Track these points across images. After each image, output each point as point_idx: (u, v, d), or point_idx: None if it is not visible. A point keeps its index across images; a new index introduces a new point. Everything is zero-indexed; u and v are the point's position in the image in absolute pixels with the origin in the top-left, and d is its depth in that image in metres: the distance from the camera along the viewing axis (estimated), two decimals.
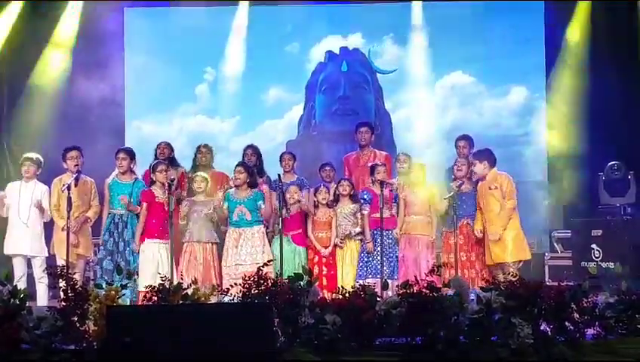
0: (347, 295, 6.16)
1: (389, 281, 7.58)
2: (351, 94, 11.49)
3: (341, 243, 8.43)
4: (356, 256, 8.45)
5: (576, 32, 10.82)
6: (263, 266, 6.27)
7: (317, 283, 6.68)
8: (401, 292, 6.08)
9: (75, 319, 5.90)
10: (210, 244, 8.29)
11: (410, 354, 5.81)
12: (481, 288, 6.38)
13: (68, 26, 10.88)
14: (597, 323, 6.21)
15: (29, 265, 8.49)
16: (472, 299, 6.25)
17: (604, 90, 10.40)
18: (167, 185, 8.05)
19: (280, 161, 9.10)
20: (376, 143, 9.63)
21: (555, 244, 10.27)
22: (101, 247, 8.31)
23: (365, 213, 8.44)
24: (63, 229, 8.03)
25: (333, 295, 6.58)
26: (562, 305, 6.07)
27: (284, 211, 8.04)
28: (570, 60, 10.81)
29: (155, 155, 8.98)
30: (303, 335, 5.96)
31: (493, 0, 11.36)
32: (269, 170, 9.03)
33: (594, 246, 9.16)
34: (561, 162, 10.67)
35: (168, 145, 9.06)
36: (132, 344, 5.25)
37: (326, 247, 8.42)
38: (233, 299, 6.09)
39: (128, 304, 7.13)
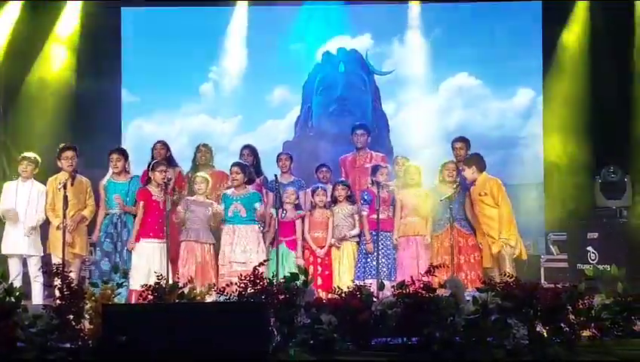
0: (343, 295, 6.16)
1: (387, 282, 7.59)
2: (348, 95, 11.50)
3: (338, 243, 8.44)
4: (352, 257, 8.47)
5: (573, 33, 10.84)
6: (258, 266, 6.26)
7: (312, 284, 6.67)
8: (397, 292, 6.08)
9: (71, 317, 5.88)
10: (208, 245, 8.29)
11: (406, 355, 5.81)
12: (478, 289, 6.39)
13: (66, 25, 10.88)
14: (592, 324, 6.21)
15: (24, 264, 8.46)
16: (468, 300, 6.25)
17: (601, 91, 10.42)
18: (163, 184, 8.05)
19: (277, 161, 9.11)
20: (373, 144, 9.63)
21: (551, 246, 10.29)
22: (97, 248, 8.30)
23: (364, 213, 8.44)
24: (58, 228, 8.03)
25: (330, 295, 6.58)
26: (558, 306, 6.07)
27: (280, 213, 8.06)
28: (567, 62, 10.82)
29: (152, 155, 8.98)
30: (298, 335, 5.95)
31: (490, 1, 11.36)
32: (268, 170, 9.01)
33: (590, 248, 9.20)
34: (557, 164, 10.67)
35: (165, 145, 9.05)
36: (128, 342, 5.24)
37: (322, 247, 8.43)
38: (229, 299, 6.08)
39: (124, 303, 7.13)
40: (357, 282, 7.86)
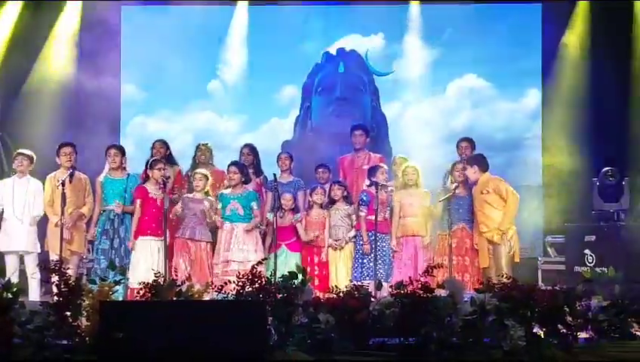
0: (341, 294, 6.16)
1: (384, 284, 7.59)
2: (347, 95, 11.49)
3: (336, 244, 8.44)
4: (349, 257, 8.46)
5: (573, 34, 10.84)
6: (256, 264, 6.26)
7: (310, 282, 6.67)
8: (394, 292, 6.08)
9: (68, 314, 5.89)
10: (204, 243, 8.28)
11: (404, 355, 5.81)
12: (475, 290, 6.40)
13: (66, 23, 10.88)
14: (589, 326, 6.23)
15: (22, 261, 8.46)
16: (466, 301, 6.25)
17: (601, 93, 10.42)
18: (162, 182, 8.05)
19: (277, 160, 9.10)
20: (372, 145, 9.63)
21: (548, 249, 10.29)
22: (96, 244, 8.30)
23: (362, 214, 8.43)
24: (56, 225, 8.03)
25: (327, 294, 6.58)
26: (555, 308, 6.08)
27: (278, 213, 8.07)
28: (567, 63, 10.82)
29: (151, 154, 8.98)
30: (296, 334, 5.95)
31: (491, 3, 11.37)
32: (272, 170, 8.96)
33: (587, 251, 9.18)
34: (556, 166, 10.67)
35: (164, 144, 9.04)
36: (124, 340, 5.24)
37: (319, 247, 8.44)
38: (227, 297, 6.08)
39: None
40: (354, 283, 7.87)
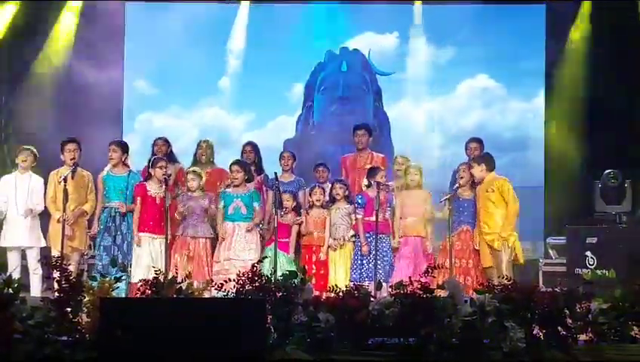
0: (341, 294, 6.16)
1: (384, 284, 7.58)
2: (350, 95, 11.51)
3: (335, 245, 8.43)
4: (349, 257, 8.46)
5: (577, 34, 10.83)
6: (257, 263, 6.27)
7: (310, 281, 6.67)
8: (394, 292, 6.08)
9: (69, 310, 5.89)
10: (204, 239, 8.29)
11: (403, 355, 5.81)
12: (475, 291, 6.39)
13: (69, 19, 10.89)
14: (590, 329, 6.21)
15: (23, 257, 8.47)
16: (466, 302, 6.24)
17: (604, 95, 10.42)
18: (164, 180, 8.06)
19: (279, 159, 9.10)
20: (374, 144, 9.63)
21: (549, 251, 10.28)
22: (98, 241, 8.31)
23: (359, 216, 8.43)
24: (58, 221, 8.04)
25: (327, 294, 6.58)
26: (556, 310, 6.07)
27: (279, 212, 8.07)
28: (570, 64, 10.82)
29: (153, 151, 8.99)
30: (295, 333, 5.95)
31: (494, 3, 11.36)
32: (276, 167, 8.95)
33: (588, 253, 9.17)
34: (558, 168, 10.67)
35: (165, 142, 9.07)
36: (125, 336, 5.25)
37: (318, 246, 8.44)
38: (227, 295, 6.08)
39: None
40: (353, 284, 7.86)
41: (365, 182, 8.61)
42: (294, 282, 6.11)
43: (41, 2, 10.80)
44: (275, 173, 8.30)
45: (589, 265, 9.08)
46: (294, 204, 8.53)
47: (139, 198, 8.20)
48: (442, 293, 6.20)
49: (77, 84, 10.72)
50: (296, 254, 8.55)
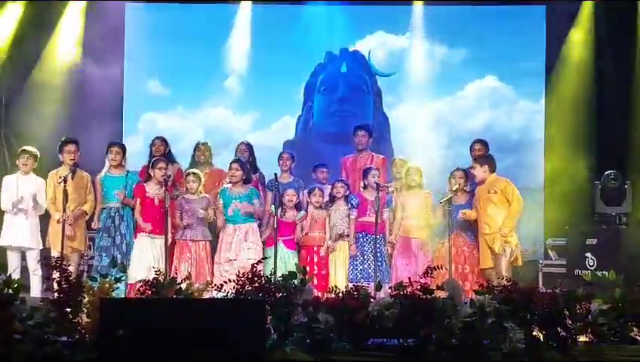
0: (341, 295, 6.16)
1: (383, 285, 7.58)
2: (349, 96, 11.49)
3: (333, 247, 8.43)
4: (349, 258, 8.46)
5: (577, 35, 10.82)
6: (257, 263, 6.27)
7: (310, 282, 6.67)
8: (394, 293, 6.08)
9: (69, 311, 5.90)
10: (204, 242, 8.29)
11: (402, 356, 5.81)
12: (475, 291, 6.40)
13: (70, 21, 10.89)
14: (589, 330, 6.21)
15: (23, 258, 8.47)
16: (465, 303, 6.25)
17: (604, 96, 10.42)
18: (163, 181, 8.07)
19: (278, 160, 9.11)
20: (374, 146, 9.62)
21: (549, 252, 10.28)
22: (96, 241, 8.31)
23: (353, 217, 8.44)
24: (58, 222, 8.04)
25: (326, 294, 6.59)
26: (555, 311, 6.07)
27: (279, 211, 8.07)
28: (570, 65, 10.81)
29: (151, 152, 8.99)
30: (295, 333, 5.96)
31: (495, 5, 11.37)
32: (276, 168, 8.98)
33: (588, 254, 9.17)
34: (558, 169, 10.66)
35: (163, 142, 9.07)
36: (124, 337, 5.25)
37: (318, 246, 8.44)
38: (227, 296, 6.08)
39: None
40: (350, 285, 7.86)
41: (362, 183, 8.62)
42: (294, 283, 6.12)
43: (42, 2, 10.77)
44: (275, 174, 8.30)
45: (589, 266, 9.08)
46: (297, 200, 8.52)
47: (138, 199, 8.19)
48: (442, 294, 6.21)
49: (79, 84, 10.71)
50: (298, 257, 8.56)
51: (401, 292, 6.03)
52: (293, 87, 11.53)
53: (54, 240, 8.13)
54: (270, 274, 6.58)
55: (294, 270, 6.51)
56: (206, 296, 6.33)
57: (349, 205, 8.49)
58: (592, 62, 10.68)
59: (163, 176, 8.15)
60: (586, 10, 10.79)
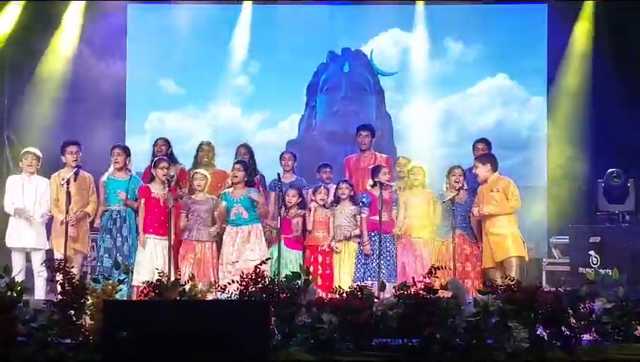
0: (344, 295, 6.16)
1: (388, 284, 7.58)
2: (352, 95, 11.49)
3: (337, 248, 8.42)
4: (354, 257, 8.45)
5: (579, 34, 10.81)
6: (260, 264, 6.27)
7: (314, 283, 6.66)
8: (398, 293, 6.08)
9: (72, 313, 5.90)
10: (209, 243, 8.29)
11: (407, 356, 5.81)
12: (479, 291, 6.39)
13: (72, 21, 10.89)
14: (593, 328, 6.21)
15: (28, 259, 8.48)
16: (469, 302, 6.24)
17: (606, 95, 10.41)
18: (166, 181, 8.07)
19: (280, 160, 9.11)
20: (377, 145, 9.62)
21: (552, 250, 10.26)
22: (99, 243, 8.31)
23: (364, 215, 8.42)
24: (61, 224, 8.04)
25: (330, 295, 6.58)
26: (559, 309, 6.07)
27: (282, 211, 8.06)
28: (572, 64, 10.80)
29: (153, 152, 8.99)
30: (299, 334, 5.95)
31: (496, 3, 11.36)
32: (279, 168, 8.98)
33: (592, 252, 9.15)
34: (561, 167, 10.65)
35: (166, 142, 9.08)
36: (128, 339, 5.25)
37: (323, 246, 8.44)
38: (230, 297, 6.08)
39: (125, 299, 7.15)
40: (356, 283, 7.85)
41: (370, 181, 8.61)
42: (298, 283, 6.12)
43: (44, 2, 10.78)
44: (278, 174, 8.31)
45: (593, 264, 9.06)
46: (300, 199, 8.52)
47: (143, 200, 8.19)
48: (445, 294, 6.20)
49: (81, 84, 10.73)
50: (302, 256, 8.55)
51: (405, 292, 6.03)
52: (290, 87, 11.52)
53: (57, 241, 8.13)
54: (274, 275, 6.56)
55: (296, 269, 6.49)
56: (210, 297, 6.33)
57: (360, 203, 8.47)
58: (594, 60, 10.66)
59: (165, 175, 8.15)
60: (588, 8, 10.77)
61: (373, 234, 8.37)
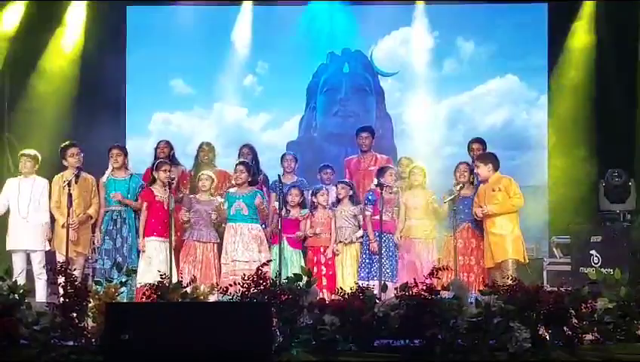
0: (346, 296, 6.16)
1: (390, 284, 7.58)
2: (352, 96, 11.48)
3: (337, 251, 8.43)
4: (356, 258, 8.45)
5: (579, 33, 10.80)
6: (262, 266, 6.27)
7: (316, 284, 6.67)
8: (400, 294, 6.08)
9: (74, 315, 5.91)
10: (211, 244, 8.30)
11: (409, 357, 5.82)
12: (481, 291, 6.39)
13: (71, 23, 10.89)
14: (595, 328, 6.21)
15: (28, 262, 8.48)
16: (471, 303, 6.25)
17: (607, 93, 10.41)
18: (167, 183, 8.07)
19: (281, 161, 9.11)
20: (377, 146, 9.62)
21: (554, 250, 10.24)
22: (102, 245, 8.31)
23: (368, 213, 8.42)
24: (63, 226, 8.05)
25: (333, 296, 6.59)
26: (561, 309, 6.08)
27: (283, 212, 8.06)
28: (572, 63, 10.80)
29: (155, 154, 8.99)
30: (301, 335, 5.96)
31: (497, 2, 11.37)
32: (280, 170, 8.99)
33: (593, 252, 9.16)
34: (562, 167, 10.65)
35: (168, 144, 9.06)
36: (130, 341, 5.26)
37: (325, 247, 8.44)
38: (232, 298, 6.09)
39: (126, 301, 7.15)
40: (361, 283, 7.85)
41: (375, 181, 8.60)
42: (299, 285, 6.12)
43: (44, 3, 10.78)
44: (279, 175, 8.30)
45: (594, 263, 9.06)
46: (301, 199, 8.52)
47: (145, 203, 8.19)
48: (447, 294, 6.20)
49: (81, 85, 10.73)
50: (303, 255, 8.55)
51: (407, 293, 6.03)
52: (291, 87, 11.51)
53: (59, 244, 8.13)
54: (275, 276, 6.56)
55: (298, 269, 6.49)
56: (212, 299, 6.33)
57: (366, 201, 8.47)
58: (595, 59, 10.66)
59: (167, 178, 8.15)
60: (588, 8, 10.78)
61: (376, 233, 8.37)
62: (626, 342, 6.21)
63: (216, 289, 6.45)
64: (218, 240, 8.32)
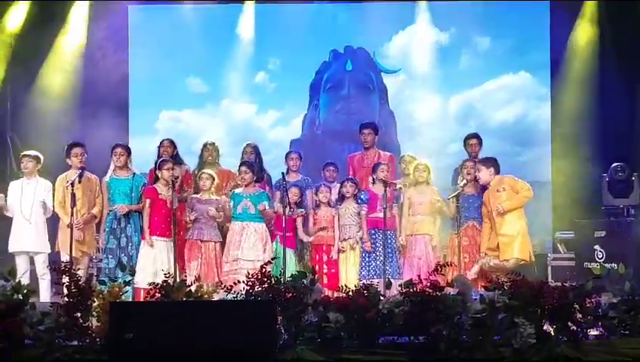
0: (350, 293, 6.16)
1: (393, 281, 7.58)
2: (355, 93, 11.49)
3: (342, 248, 8.43)
4: (359, 256, 8.45)
5: (582, 32, 10.80)
6: (266, 264, 6.27)
7: (319, 282, 6.67)
8: (404, 291, 6.08)
9: (79, 315, 5.91)
10: (214, 243, 8.30)
11: (413, 353, 5.82)
12: (485, 287, 6.38)
13: (74, 24, 10.90)
14: (600, 323, 6.21)
15: (32, 262, 8.49)
16: (475, 299, 6.24)
17: (610, 90, 10.40)
18: (171, 182, 8.08)
19: (286, 159, 9.11)
20: (380, 143, 9.62)
21: (558, 245, 10.26)
22: (106, 245, 8.32)
23: (363, 213, 8.44)
24: (67, 226, 8.05)
25: (336, 293, 6.59)
26: (565, 305, 6.07)
27: (287, 210, 8.06)
28: (575, 61, 10.79)
29: (159, 153, 8.99)
30: (305, 333, 5.96)
31: (498, 3, 11.36)
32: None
33: (597, 247, 9.16)
34: (565, 162, 10.65)
35: (172, 143, 9.06)
36: (135, 340, 5.26)
37: (328, 245, 8.44)
38: (237, 297, 6.09)
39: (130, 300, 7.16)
40: (362, 281, 7.86)
41: (371, 179, 8.62)
42: (304, 282, 6.12)
43: (47, 3, 10.79)
44: (283, 173, 8.31)
45: (598, 258, 9.06)
46: (299, 198, 8.52)
47: (148, 201, 8.19)
48: (451, 291, 6.20)
49: (84, 86, 10.75)
50: (306, 253, 8.55)
51: (411, 290, 6.03)
52: (291, 87, 11.54)
53: (64, 244, 8.13)
54: (279, 275, 6.56)
55: (294, 268, 6.48)
56: (216, 297, 6.34)
57: (359, 200, 8.48)
58: (597, 57, 10.65)
59: (170, 176, 8.16)
60: (590, 7, 10.77)
61: (373, 231, 8.38)
62: (630, 337, 6.20)
63: (220, 287, 6.46)
64: (220, 239, 8.33)
